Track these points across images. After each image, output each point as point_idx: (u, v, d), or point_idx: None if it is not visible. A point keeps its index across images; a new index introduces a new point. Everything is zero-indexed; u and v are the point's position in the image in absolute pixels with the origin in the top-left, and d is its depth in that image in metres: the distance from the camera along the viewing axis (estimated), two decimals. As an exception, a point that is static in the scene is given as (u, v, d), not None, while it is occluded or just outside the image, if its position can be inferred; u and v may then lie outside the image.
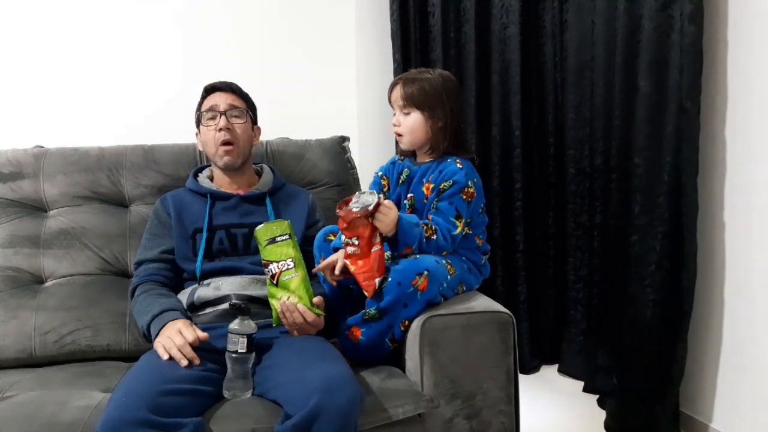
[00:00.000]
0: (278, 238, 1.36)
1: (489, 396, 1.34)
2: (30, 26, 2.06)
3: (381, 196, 1.36)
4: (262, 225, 1.38)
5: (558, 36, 2.25)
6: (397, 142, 1.61)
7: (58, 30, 2.08)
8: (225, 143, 1.56)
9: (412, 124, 1.50)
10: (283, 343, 1.35)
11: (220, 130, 1.55)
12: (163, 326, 1.31)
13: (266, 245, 1.35)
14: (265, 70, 2.19)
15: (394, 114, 1.54)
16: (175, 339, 1.25)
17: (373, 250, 1.35)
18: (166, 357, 1.24)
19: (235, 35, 2.21)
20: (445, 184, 1.45)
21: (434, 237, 1.41)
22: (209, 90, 1.62)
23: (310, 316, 1.34)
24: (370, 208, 1.32)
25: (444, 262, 1.41)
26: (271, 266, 1.35)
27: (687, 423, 1.85)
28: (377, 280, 1.35)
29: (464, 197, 1.45)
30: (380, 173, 1.65)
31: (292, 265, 1.35)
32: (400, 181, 1.57)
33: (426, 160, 1.54)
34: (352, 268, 1.37)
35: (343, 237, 1.38)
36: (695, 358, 1.82)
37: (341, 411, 1.10)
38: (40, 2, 2.06)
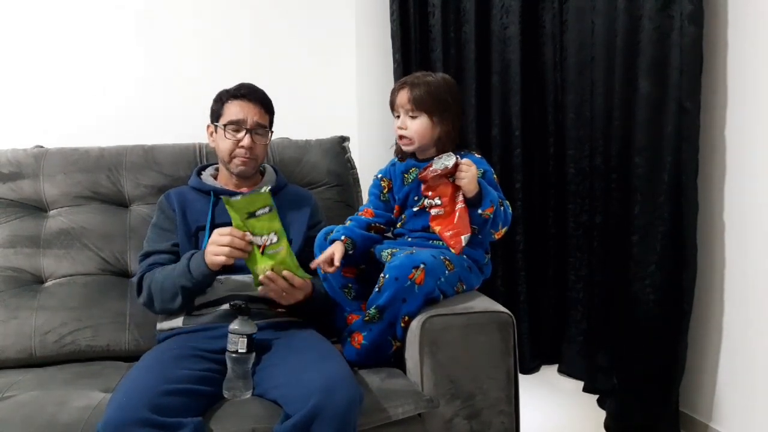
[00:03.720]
0: (258, 212, 1.30)
1: (489, 396, 1.34)
2: (30, 26, 2.06)
3: (458, 157, 1.40)
4: (239, 197, 1.30)
5: (558, 36, 2.25)
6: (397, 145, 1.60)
7: (58, 30, 2.08)
8: (244, 158, 1.54)
9: (420, 128, 1.50)
10: (282, 344, 1.35)
11: (242, 147, 1.52)
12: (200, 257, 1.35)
13: (246, 218, 1.30)
14: (265, 71, 2.18)
15: (397, 117, 1.53)
16: (220, 240, 1.30)
17: (456, 208, 1.39)
18: (230, 260, 1.30)
19: (235, 35, 2.21)
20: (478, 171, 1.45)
21: (502, 207, 1.44)
22: (237, 96, 1.54)
23: (297, 281, 1.34)
24: (450, 166, 1.36)
25: (442, 257, 1.42)
26: (255, 239, 1.31)
27: (687, 423, 1.85)
28: (463, 237, 1.38)
29: (497, 182, 1.51)
30: (380, 176, 1.64)
31: (275, 239, 1.31)
32: (408, 180, 1.56)
33: (430, 157, 1.54)
34: (437, 229, 1.41)
35: (426, 201, 1.42)
36: (695, 358, 1.82)
37: (340, 411, 1.10)
38: (39, 3, 2.06)
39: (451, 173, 1.38)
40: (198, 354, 1.29)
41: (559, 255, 2.33)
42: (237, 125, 1.53)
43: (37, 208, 1.71)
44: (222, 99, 1.57)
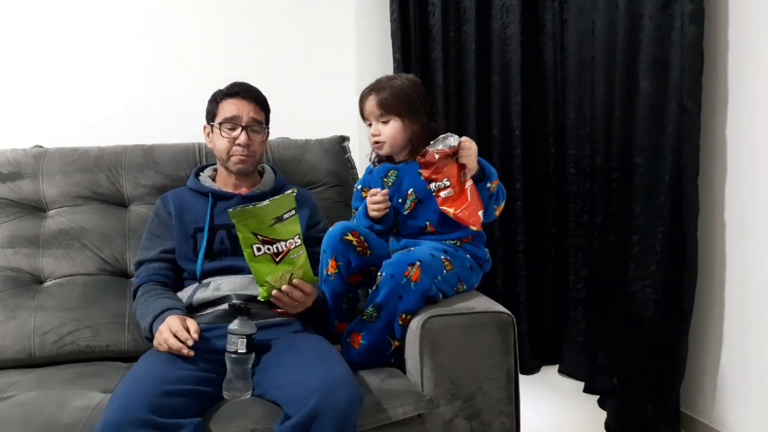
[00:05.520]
0: (285, 215, 1.27)
1: (489, 396, 1.34)
2: (29, 26, 2.06)
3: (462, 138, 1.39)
4: (266, 202, 1.25)
5: (558, 35, 2.24)
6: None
7: (58, 30, 2.07)
8: (241, 155, 1.54)
9: (393, 131, 1.50)
10: (282, 344, 1.34)
11: (238, 145, 1.53)
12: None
13: (272, 224, 1.26)
14: (265, 70, 2.18)
15: (369, 125, 1.54)
16: (164, 335, 1.26)
17: (466, 187, 1.37)
18: (165, 349, 1.26)
19: (235, 35, 2.21)
20: None
21: (497, 183, 1.44)
22: (231, 94, 1.56)
23: (307, 288, 1.34)
24: (455, 144, 1.35)
25: (442, 257, 1.41)
26: (277, 245, 1.27)
27: (687, 423, 1.85)
28: (480, 213, 1.37)
29: None
30: (359, 186, 1.64)
31: (299, 242, 1.29)
32: (389, 183, 1.55)
33: (406, 158, 1.54)
34: (450, 211, 1.38)
35: (432, 185, 1.40)
36: (696, 358, 1.81)
37: (340, 411, 1.10)
38: (39, 3, 2.06)
39: (455, 153, 1.37)
40: (197, 354, 1.28)
41: (559, 255, 2.33)
42: (232, 123, 1.53)
43: (37, 208, 1.71)
44: (216, 99, 1.58)
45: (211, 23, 2.19)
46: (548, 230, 2.35)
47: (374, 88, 1.52)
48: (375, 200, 1.48)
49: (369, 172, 1.63)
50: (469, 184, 1.38)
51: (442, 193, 1.38)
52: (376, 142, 1.53)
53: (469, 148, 1.38)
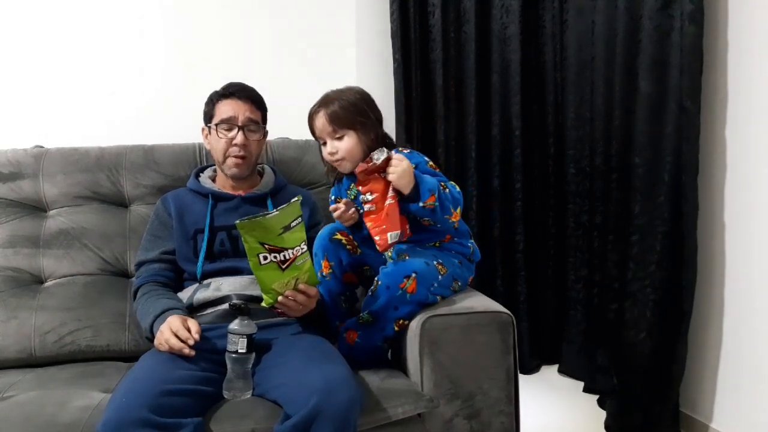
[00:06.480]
0: (293, 224, 1.26)
1: (489, 396, 1.34)
2: (29, 26, 2.06)
3: (391, 153, 1.37)
4: (275, 212, 1.23)
5: (558, 36, 2.24)
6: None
7: (58, 30, 2.07)
8: (237, 157, 1.54)
9: (349, 146, 1.45)
10: (283, 344, 1.35)
11: (235, 145, 1.53)
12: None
13: (281, 233, 1.25)
14: (264, 70, 2.18)
15: (323, 144, 1.49)
16: (165, 334, 1.26)
17: (385, 204, 1.35)
18: (165, 348, 1.25)
19: (235, 34, 2.21)
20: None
21: (447, 190, 1.40)
22: (227, 95, 1.56)
23: (312, 291, 1.33)
24: (380, 161, 1.34)
25: (435, 263, 1.41)
26: (284, 253, 1.25)
27: (687, 423, 1.85)
28: (390, 234, 1.34)
29: (433, 169, 1.46)
30: (333, 197, 1.63)
31: (305, 248, 1.29)
32: (351, 197, 1.54)
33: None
34: (369, 225, 1.37)
35: (361, 197, 1.38)
36: (695, 358, 1.82)
37: (340, 411, 1.10)
38: (39, 2, 2.06)
39: (383, 169, 1.35)
40: (198, 354, 1.28)
41: (559, 255, 2.33)
42: (229, 123, 1.54)
43: (37, 208, 1.71)
44: (212, 100, 1.58)
45: (212, 24, 2.20)
46: (548, 230, 2.35)
47: (322, 103, 1.47)
48: (336, 216, 1.47)
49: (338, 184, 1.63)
50: (389, 202, 1.35)
51: (366, 207, 1.37)
52: (336, 161, 1.48)
53: (397, 166, 1.34)
